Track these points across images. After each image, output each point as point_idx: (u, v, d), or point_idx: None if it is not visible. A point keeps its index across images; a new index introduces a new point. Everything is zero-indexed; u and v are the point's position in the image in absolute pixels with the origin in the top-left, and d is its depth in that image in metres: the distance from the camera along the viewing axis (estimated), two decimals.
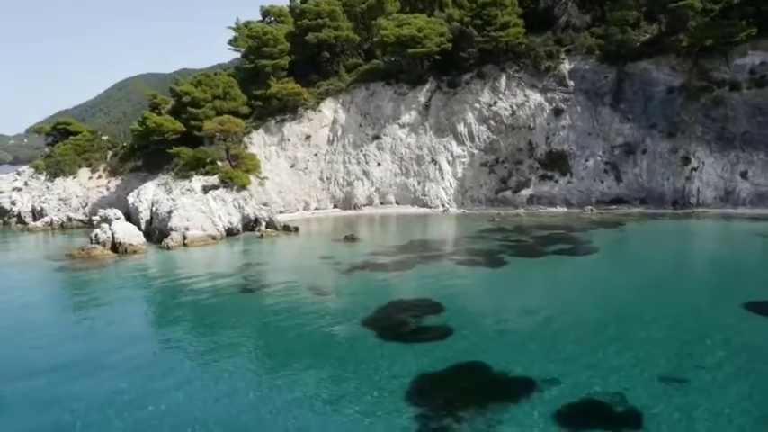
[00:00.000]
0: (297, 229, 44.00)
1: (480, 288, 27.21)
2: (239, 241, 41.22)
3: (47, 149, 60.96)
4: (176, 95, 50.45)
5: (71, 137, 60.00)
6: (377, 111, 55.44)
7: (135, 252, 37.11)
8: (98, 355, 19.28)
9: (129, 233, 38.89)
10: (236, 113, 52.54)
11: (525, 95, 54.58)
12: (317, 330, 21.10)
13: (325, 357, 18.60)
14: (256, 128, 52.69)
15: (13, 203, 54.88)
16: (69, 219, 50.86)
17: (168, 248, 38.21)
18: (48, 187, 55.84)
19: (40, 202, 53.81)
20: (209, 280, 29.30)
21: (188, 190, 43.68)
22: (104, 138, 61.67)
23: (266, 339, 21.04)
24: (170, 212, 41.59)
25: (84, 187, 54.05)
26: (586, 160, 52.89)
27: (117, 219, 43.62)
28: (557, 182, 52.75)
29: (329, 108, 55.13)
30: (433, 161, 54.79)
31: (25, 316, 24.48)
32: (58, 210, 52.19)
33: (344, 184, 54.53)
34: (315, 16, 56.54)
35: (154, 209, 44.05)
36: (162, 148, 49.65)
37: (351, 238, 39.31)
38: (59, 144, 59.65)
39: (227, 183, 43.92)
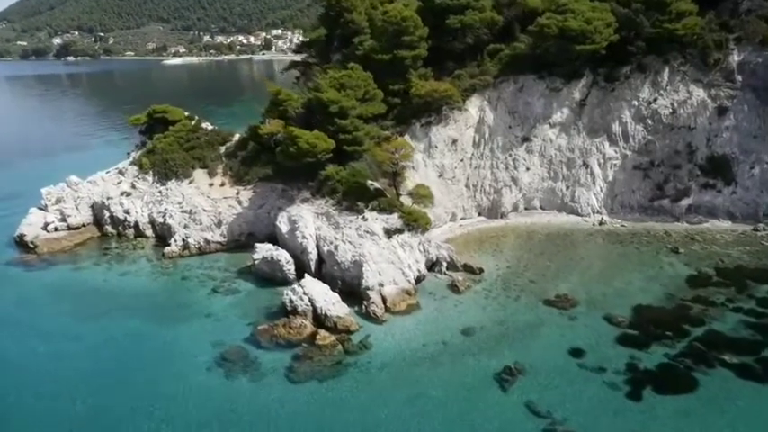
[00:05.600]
0: (481, 271, 41.06)
1: None
2: (435, 299, 37.72)
3: (147, 142, 54.48)
4: (321, 103, 44.19)
5: (170, 127, 53.79)
6: (526, 108, 50.15)
7: (347, 329, 34.01)
8: None
9: (329, 299, 35.65)
10: (375, 118, 47.20)
11: (688, 91, 49.78)
12: None
13: None
14: (401, 134, 47.47)
15: (126, 212, 49.92)
16: (207, 241, 46.41)
17: (377, 318, 35.21)
18: (161, 192, 50.70)
19: (159, 212, 48.96)
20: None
21: (366, 232, 39.76)
22: (207, 126, 55.14)
23: None
24: (356, 263, 38.08)
25: (209, 197, 48.88)
26: (751, 167, 49.57)
27: (288, 262, 40.63)
28: (720, 191, 49.66)
29: (475, 106, 49.58)
30: (584, 164, 50.81)
31: None
32: (185, 226, 47.34)
33: (491, 192, 50.58)
34: None
35: (325, 249, 40.38)
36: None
37: (565, 301, 36.73)
38: (159, 136, 53.44)
39: (411, 225, 40.00)
